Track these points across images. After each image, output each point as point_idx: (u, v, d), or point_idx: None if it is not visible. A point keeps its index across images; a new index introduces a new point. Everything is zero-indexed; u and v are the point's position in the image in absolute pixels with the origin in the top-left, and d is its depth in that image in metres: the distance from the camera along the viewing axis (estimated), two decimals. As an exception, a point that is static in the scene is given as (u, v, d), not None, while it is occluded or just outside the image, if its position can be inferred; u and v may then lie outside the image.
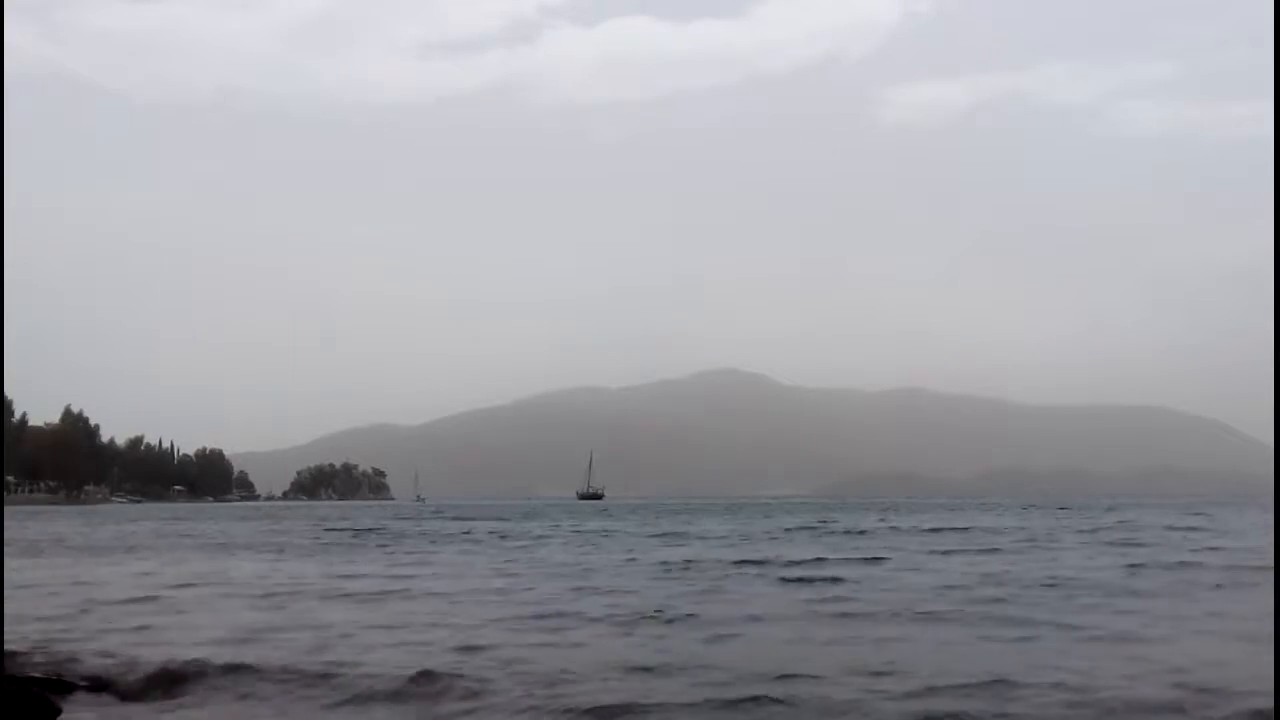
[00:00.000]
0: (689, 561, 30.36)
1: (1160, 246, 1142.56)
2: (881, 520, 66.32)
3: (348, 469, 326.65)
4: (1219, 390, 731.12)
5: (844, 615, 17.63)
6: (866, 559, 30.57)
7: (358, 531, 58.73)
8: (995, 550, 34.31)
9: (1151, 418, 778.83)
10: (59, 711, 10.94)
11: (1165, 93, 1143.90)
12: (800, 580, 23.98)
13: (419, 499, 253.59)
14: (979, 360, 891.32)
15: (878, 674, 12.02)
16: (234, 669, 13.08)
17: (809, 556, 31.93)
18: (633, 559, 32.27)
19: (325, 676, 12.65)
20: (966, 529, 51.71)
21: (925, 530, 51.17)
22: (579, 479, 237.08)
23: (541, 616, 17.71)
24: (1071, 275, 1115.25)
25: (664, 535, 49.16)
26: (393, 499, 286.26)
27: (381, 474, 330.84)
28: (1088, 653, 13.53)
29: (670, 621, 16.94)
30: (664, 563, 30.06)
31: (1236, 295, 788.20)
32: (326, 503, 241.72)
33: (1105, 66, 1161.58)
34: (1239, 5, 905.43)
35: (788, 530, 53.08)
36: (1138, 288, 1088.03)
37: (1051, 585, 21.97)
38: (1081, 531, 47.50)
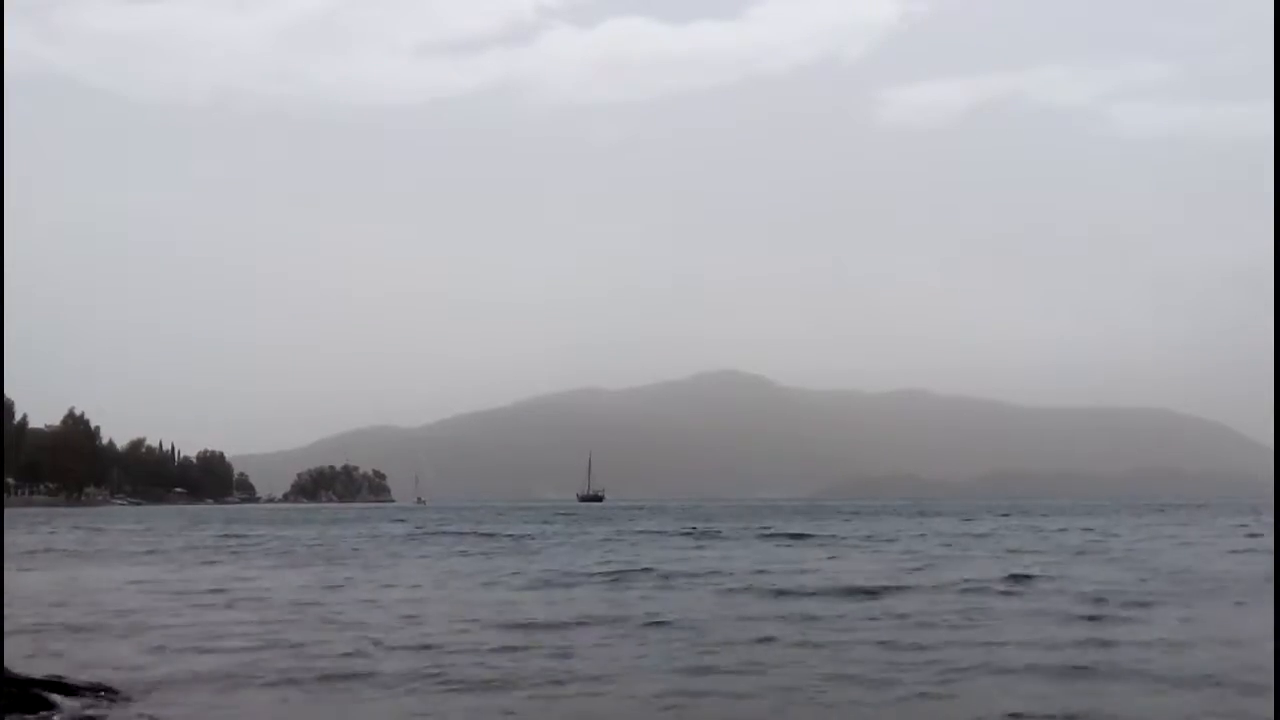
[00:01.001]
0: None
1: (1160, 247, 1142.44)
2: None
3: (348, 471, 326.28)
4: (1219, 392, 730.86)
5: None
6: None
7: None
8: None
9: (1152, 419, 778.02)
10: (60, 712, 10.94)
11: (1165, 93, 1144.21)
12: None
13: (420, 501, 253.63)
14: (979, 362, 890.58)
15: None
16: (224, 676, 13.25)
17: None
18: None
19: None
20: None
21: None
22: (579, 481, 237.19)
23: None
24: (1072, 276, 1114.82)
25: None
26: (393, 501, 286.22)
27: (382, 476, 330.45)
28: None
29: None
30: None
31: (1237, 296, 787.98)
32: (327, 505, 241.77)
33: (1105, 67, 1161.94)
34: (1239, 5, 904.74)
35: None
36: (1138, 289, 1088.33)
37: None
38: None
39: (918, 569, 29.26)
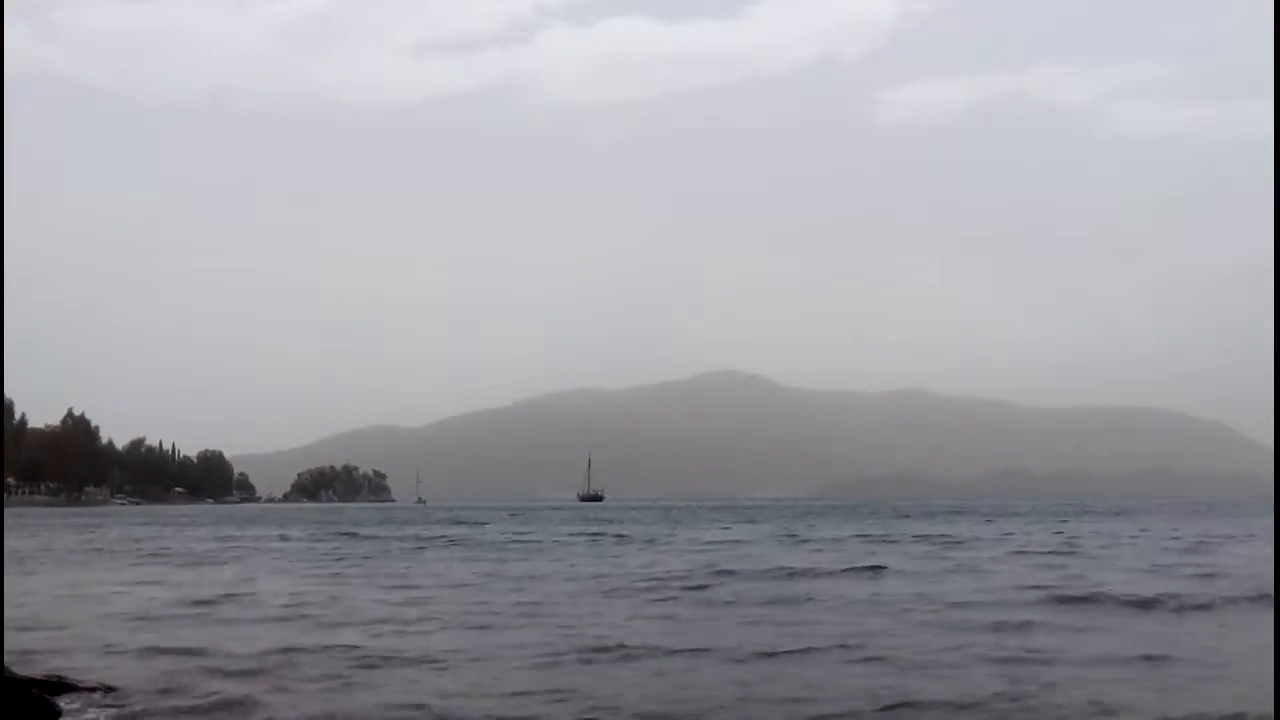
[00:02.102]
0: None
1: (1160, 247, 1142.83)
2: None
3: (348, 471, 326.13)
4: (1219, 392, 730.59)
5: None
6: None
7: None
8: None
9: (1152, 419, 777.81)
10: (59, 713, 10.97)
11: (1165, 93, 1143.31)
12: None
13: (420, 501, 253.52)
14: (979, 362, 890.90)
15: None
16: (229, 677, 13.33)
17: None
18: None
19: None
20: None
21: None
22: (579, 481, 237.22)
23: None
24: (1072, 276, 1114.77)
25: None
26: (394, 501, 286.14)
27: (382, 476, 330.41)
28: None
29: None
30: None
31: (1237, 296, 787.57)
32: (326, 504, 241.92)
33: (1105, 66, 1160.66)
34: (1239, 5, 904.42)
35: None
36: (1138, 288, 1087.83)
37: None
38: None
39: None
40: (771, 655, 14.90)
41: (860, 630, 17.19)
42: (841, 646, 15.47)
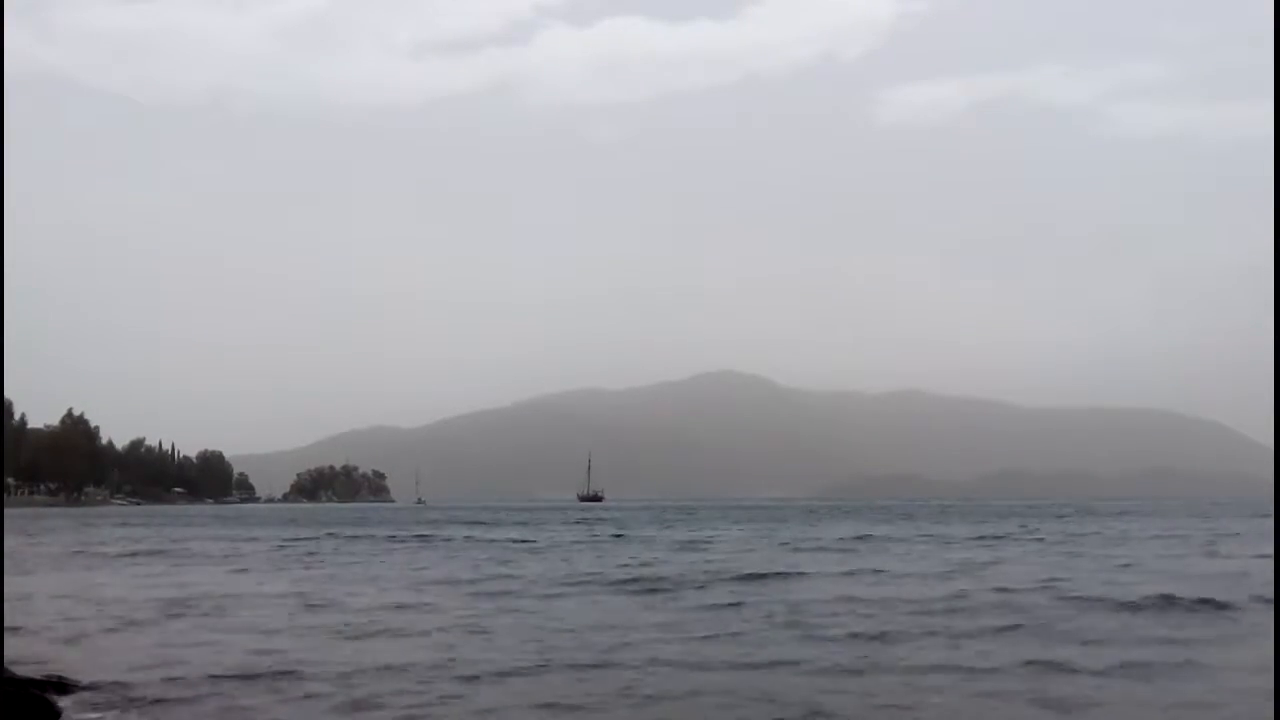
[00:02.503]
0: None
1: (1160, 247, 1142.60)
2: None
3: (348, 471, 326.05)
4: (1219, 392, 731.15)
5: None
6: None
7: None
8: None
9: (1151, 420, 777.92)
10: (59, 713, 10.95)
11: (1165, 93, 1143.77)
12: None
13: (420, 501, 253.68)
14: (979, 362, 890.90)
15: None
16: (227, 678, 13.33)
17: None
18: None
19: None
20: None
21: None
22: (579, 481, 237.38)
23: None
24: (1071, 276, 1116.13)
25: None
26: (393, 501, 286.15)
27: (382, 476, 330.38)
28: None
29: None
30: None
31: (1236, 296, 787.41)
32: (326, 505, 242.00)
33: (1104, 66, 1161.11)
34: (1239, 5, 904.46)
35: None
36: (1138, 289, 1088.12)
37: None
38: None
39: None
40: (780, 662, 14.78)
41: (866, 633, 17.15)
42: (850, 652, 15.42)
